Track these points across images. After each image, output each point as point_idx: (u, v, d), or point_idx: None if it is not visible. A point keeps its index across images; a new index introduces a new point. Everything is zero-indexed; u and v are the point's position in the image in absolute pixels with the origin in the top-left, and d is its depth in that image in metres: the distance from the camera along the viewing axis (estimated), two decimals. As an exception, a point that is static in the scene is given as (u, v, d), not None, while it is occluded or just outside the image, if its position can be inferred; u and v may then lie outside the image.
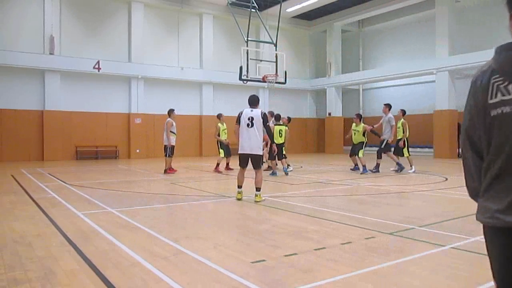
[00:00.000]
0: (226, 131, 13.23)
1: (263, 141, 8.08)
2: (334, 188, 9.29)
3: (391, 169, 12.95)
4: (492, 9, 20.42)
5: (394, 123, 12.74)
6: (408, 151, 12.79)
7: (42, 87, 19.14)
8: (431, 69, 20.46)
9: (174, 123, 12.86)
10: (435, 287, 3.23)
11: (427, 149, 21.83)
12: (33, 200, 7.47)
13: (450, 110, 19.88)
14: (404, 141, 12.71)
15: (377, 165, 12.67)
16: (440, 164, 16.39)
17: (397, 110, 13.54)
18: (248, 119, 7.35)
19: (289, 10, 23.58)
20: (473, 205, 5.44)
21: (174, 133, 12.83)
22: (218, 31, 23.88)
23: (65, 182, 10.22)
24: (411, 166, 12.66)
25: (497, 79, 1.46)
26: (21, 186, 9.46)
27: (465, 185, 1.70)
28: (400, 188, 9.22)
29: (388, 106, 12.96)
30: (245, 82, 17.04)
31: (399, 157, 12.75)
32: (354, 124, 12.72)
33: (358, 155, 12.33)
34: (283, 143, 12.44)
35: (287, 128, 12.80)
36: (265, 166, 12.41)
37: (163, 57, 22.14)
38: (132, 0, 21.03)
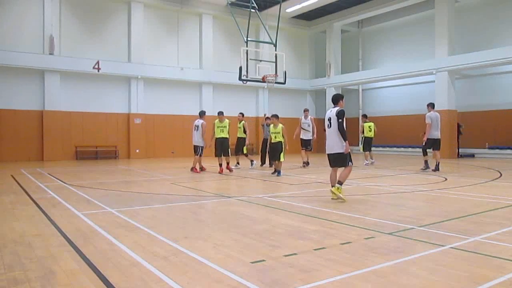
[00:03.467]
0: (224, 129, 13.22)
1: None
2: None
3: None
4: (492, 9, 20.45)
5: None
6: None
7: (41, 87, 19.15)
8: (430, 69, 20.48)
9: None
10: (435, 287, 3.23)
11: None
12: (33, 200, 7.47)
13: (450, 110, 19.90)
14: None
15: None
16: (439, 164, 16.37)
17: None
18: (328, 120, 7.55)
19: (288, 10, 23.60)
20: (473, 205, 5.48)
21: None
22: (217, 31, 23.89)
23: (65, 182, 10.22)
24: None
25: None
26: (21, 186, 9.46)
27: None
28: (400, 188, 9.23)
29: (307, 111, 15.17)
30: (244, 82, 17.05)
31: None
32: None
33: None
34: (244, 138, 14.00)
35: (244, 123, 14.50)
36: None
37: (163, 57, 22.16)
38: (132, 0, 21.03)
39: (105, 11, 20.84)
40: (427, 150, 13.16)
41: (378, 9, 23.15)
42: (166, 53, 22.32)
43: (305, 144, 14.71)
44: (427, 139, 12.89)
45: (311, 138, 14.63)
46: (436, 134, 12.83)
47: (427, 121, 12.83)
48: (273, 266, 3.70)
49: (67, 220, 5.75)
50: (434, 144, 12.89)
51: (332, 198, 7.41)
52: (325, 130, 7.81)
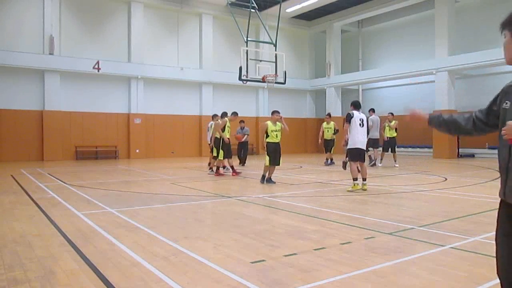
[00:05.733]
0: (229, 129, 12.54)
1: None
2: (334, 188, 9.29)
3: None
4: (492, 9, 20.44)
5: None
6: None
7: (41, 87, 19.14)
8: (430, 69, 20.47)
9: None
10: (435, 287, 3.23)
11: (426, 149, 21.85)
12: (33, 200, 7.47)
13: (450, 110, 19.88)
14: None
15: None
16: (439, 164, 16.40)
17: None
18: (360, 120, 8.73)
19: (288, 10, 23.59)
20: (473, 205, 5.47)
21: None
22: (217, 31, 23.89)
23: (64, 182, 10.22)
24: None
25: None
26: (21, 186, 9.46)
27: None
28: (400, 188, 9.23)
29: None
30: (244, 82, 17.06)
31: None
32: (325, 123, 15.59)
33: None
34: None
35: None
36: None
37: (163, 57, 22.15)
38: (132, 0, 21.03)
39: (105, 11, 20.84)
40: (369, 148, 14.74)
41: (378, 9, 23.13)
42: (166, 53, 22.30)
43: (372, 143, 13.70)
44: (369, 139, 14.77)
45: (377, 137, 14.06)
46: (376, 134, 14.76)
47: (369, 123, 14.49)
48: (273, 266, 3.70)
49: (67, 220, 5.75)
50: (374, 143, 14.75)
51: (348, 191, 8.50)
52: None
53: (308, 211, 6.40)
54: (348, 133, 8.82)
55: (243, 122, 15.67)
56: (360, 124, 8.69)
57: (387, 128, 15.13)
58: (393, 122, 15.17)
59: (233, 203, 7.35)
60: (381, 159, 15.23)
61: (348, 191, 8.46)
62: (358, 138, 8.67)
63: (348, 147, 8.78)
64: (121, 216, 6.00)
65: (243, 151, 15.78)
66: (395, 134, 15.15)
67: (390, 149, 15.16)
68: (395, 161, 14.93)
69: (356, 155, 8.72)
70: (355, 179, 8.51)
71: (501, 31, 2.07)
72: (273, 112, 10.48)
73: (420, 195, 8.16)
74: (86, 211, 6.38)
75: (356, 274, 3.49)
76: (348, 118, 8.75)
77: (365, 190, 8.47)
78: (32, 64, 18.59)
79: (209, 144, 13.22)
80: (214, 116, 14.40)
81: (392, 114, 15.64)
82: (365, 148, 8.85)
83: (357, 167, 8.77)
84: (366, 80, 24.72)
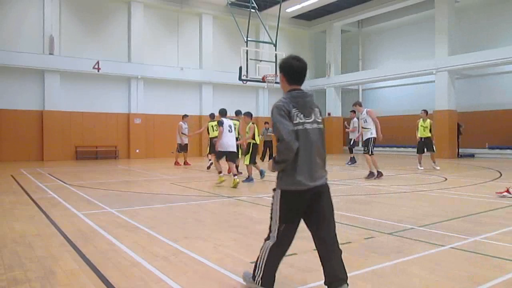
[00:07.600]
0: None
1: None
2: (334, 188, 9.25)
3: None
4: (492, 9, 20.45)
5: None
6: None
7: (41, 87, 19.14)
8: (430, 69, 20.47)
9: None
10: (435, 287, 3.23)
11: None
12: (33, 200, 7.47)
13: (450, 110, 19.89)
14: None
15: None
16: (439, 164, 16.37)
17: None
18: (229, 126, 9.96)
19: (288, 10, 23.60)
20: (473, 205, 5.46)
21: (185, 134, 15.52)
22: (217, 31, 23.89)
23: (64, 182, 10.22)
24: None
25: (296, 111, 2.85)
26: (21, 186, 9.46)
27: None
28: (400, 188, 9.23)
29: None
30: (244, 82, 17.06)
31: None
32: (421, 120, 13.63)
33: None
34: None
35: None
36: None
37: (163, 57, 22.16)
38: (132, 0, 21.03)
39: (105, 11, 20.84)
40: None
41: (378, 9, 23.14)
42: (166, 53, 22.31)
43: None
44: (353, 140, 15.63)
45: (369, 136, 11.22)
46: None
47: (351, 126, 15.66)
48: (273, 266, 3.69)
49: (67, 220, 5.75)
50: (352, 144, 15.86)
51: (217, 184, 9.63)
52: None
53: (308, 211, 6.39)
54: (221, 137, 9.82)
55: (268, 123, 17.24)
56: (229, 131, 9.87)
57: (420, 127, 13.41)
58: (427, 121, 13.41)
59: (233, 203, 7.35)
60: (419, 162, 13.63)
61: (216, 184, 9.66)
62: (227, 142, 9.80)
63: (220, 149, 9.77)
64: (121, 216, 6.00)
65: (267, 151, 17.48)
66: (428, 134, 13.32)
67: (425, 149, 13.44)
68: (433, 162, 13.50)
69: (223, 155, 9.91)
70: (220, 172, 9.84)
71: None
72: None
73: (420, 195, 8.16)
74: (86, 211, 6.38)
75: (356, 274, 3.49)
76: (221, 123, 9.85)
77: (236, 184, 9.23)
78: (32, 64, 18.59)
79: (180, 145, 15.68)
80: (185, 117, 15.79)
81: (426, 112, 13.60)
82: (235, 151, 10.01)
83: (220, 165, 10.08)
84: (366, 80, 24.73)
